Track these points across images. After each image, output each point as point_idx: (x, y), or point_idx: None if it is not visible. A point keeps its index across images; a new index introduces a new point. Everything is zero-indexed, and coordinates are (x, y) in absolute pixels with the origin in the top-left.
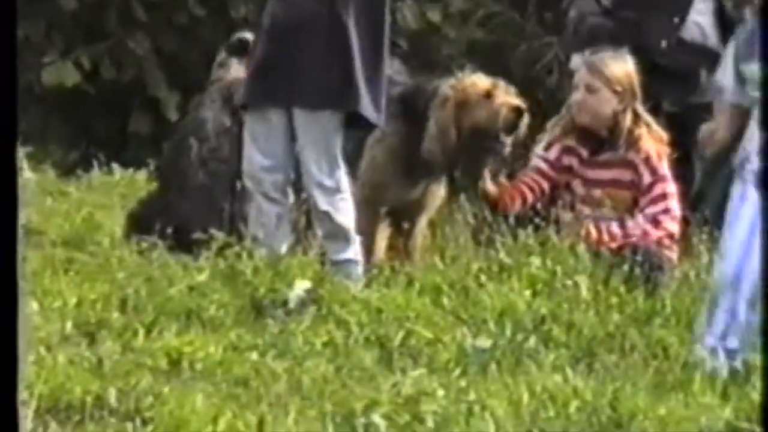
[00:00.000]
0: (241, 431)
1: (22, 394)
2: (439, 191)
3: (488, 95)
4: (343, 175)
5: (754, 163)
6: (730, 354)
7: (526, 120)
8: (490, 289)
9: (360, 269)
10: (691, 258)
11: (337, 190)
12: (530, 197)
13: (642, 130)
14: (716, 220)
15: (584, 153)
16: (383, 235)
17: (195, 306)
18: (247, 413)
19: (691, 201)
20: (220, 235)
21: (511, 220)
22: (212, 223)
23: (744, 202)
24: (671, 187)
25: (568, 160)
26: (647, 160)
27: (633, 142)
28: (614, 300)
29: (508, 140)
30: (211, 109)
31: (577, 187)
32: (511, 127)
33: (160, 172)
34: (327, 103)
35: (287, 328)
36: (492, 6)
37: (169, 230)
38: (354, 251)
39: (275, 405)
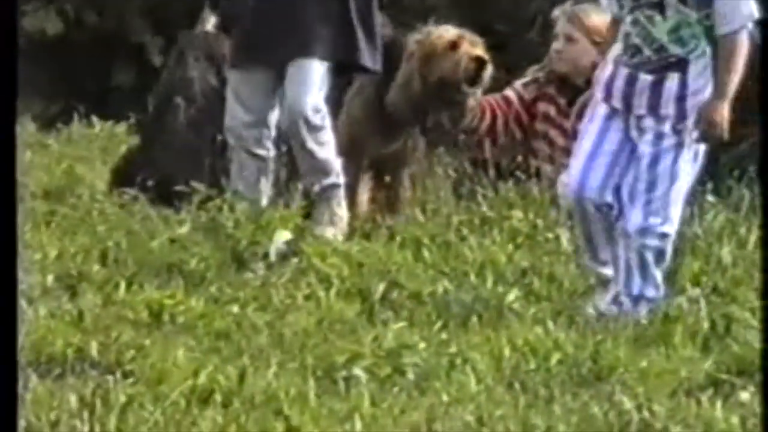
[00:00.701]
0: (222, 384)
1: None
2: (418, 144)
3: (452, 47)
4: (326, 114)
5: (605, 73)
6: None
7: (489, 71)
8: (472, 242)
9: (341, 192)
10: None
11: (322, 126)
12: (487, 114)
13: None
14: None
15: (562, 102)
16: (365, 188)
17: (176, 259)
18: (229, 366)
19: None
20: (201, 188)
21: (492, 173)
22: (195, 177)
23: (593, 117)
24: None
25: (545, 107)
26: None
27: None
28: None
29: (472, 91)
30: (197, 68)
31: (557, 138)
32: (474, 78)
33: (144, 129)
34: (326, 53)
35: (268, 281)
36: None
37: (151, 183)
38: (335, 175)
39: (256, 358)
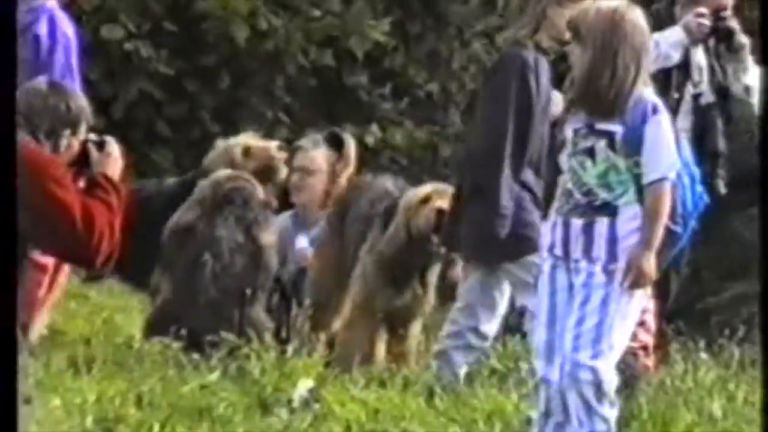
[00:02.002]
0: None
1: None
2: (428, 298)
3: (424, 201)
4: None
5: (548, 225)
6: (557, 431)
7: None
8: (480, 392)
9: None
10: (667, 366)
11: None
12: None
13: None
14: (691, 332)
15: None
16: (381, 340)
17: (206, 403)
18: None
19: (667, 315)
20: (230, 338)
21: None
22: (224, 327)
23: (542, 274)
24: (649, 303)
25: None
26: None
27: None
28: None
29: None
30: (225, 227)
31: None
32: (438, 229)
33: (176, 283)
34: None
35: (291, 425)
36: None
37: (183, 332)
38: None
39: None
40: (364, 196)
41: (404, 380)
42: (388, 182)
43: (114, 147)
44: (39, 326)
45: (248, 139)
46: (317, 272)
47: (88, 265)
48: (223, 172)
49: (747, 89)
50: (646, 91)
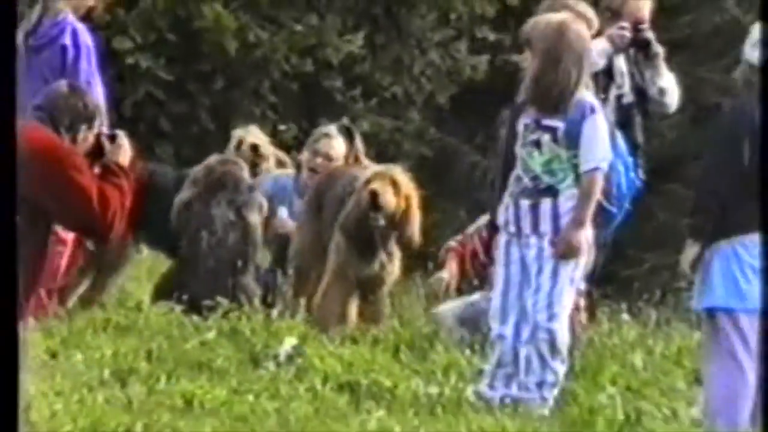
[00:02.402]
0: None
1: (66, 427)
2: (394, 269)
3: (367, 182)
4: None
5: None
6: (506, 380)
7: (386, 200)
8: (439, 348)
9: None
10: (594, 325)
11: None
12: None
13: None
14: (615, 296)
15: None
16: (354, 303)
17: (205, 358)
18: None
19: (596, 282)
20: (225, 302)
21: (455, 294)
22: (218, 294)
23: (497, 247)
24: None
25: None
26: None
27: None
28: None
29: (378, 215)
30: (218, 207)
31: None
32: (375, 206)
33: (179, 255)
34: None
35: (278, 377)
36: (437, 131)
37: (185, 297)
38: None
39: None
40: (338, 182)
41: (374, 338)
42: (357, 171)
43: (124, 139)
44: (74, 295)
45: (245, 133)
46: (298, 247)
47: (102, 239)
48: (215, 158)
49: (661, 91)
50: (587, 93)
